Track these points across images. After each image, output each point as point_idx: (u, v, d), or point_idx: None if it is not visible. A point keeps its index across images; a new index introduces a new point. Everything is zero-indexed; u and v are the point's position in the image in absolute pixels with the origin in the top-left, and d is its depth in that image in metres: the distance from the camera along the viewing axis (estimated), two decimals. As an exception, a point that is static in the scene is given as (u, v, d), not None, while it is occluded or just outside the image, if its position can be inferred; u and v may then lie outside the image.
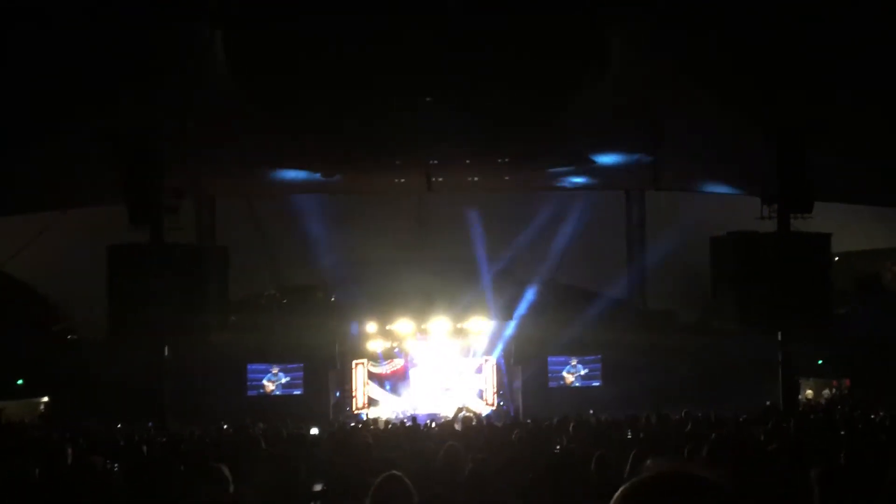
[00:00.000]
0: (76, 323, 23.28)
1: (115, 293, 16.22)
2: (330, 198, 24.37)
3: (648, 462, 4.42)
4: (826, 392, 22.43)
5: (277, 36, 14.86)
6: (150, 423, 16.33)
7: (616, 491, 2.01)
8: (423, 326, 23.35)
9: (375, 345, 23.58)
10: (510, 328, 23.72)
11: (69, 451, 6.37)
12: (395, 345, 23.59)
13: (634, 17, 14.23)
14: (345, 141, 18.53)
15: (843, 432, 10.74)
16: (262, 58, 15.36)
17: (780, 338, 17.08)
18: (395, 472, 4.23)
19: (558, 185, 23.92)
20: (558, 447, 9.03)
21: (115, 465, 6.92)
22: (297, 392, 23.33)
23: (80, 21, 13.16)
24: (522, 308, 23.64)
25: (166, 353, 17.27)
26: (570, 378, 24.04)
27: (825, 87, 15.15)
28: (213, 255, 17.88)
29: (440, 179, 21.77)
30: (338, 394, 23.67)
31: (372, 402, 23.52)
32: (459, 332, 23.52)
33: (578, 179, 23.27)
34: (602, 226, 24.64)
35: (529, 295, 23.93)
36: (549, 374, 23.92)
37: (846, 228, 19.35)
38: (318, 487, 6.02)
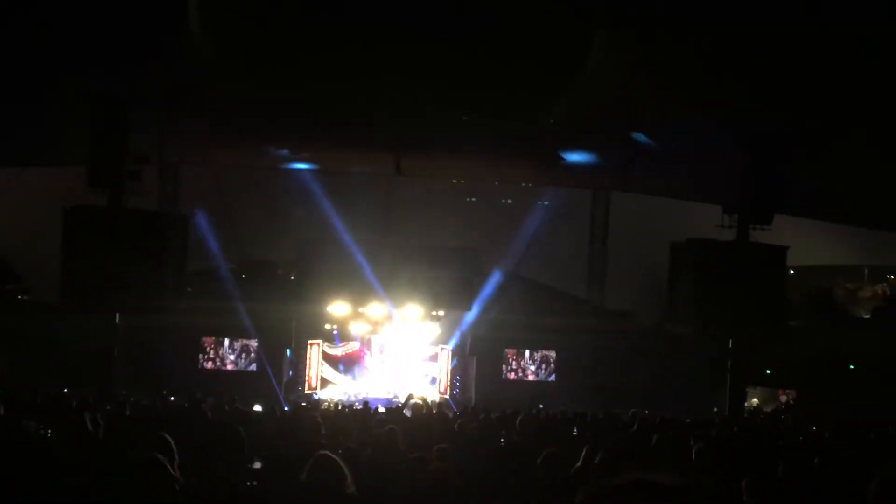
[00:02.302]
0: (28, 284, 22.83)
1: (68, 256, 15.83)
2: (298, 175, 24.15)
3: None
4: (775, 402, 22.87)
5: (253, 7, 14.66)
6: (96, 389, 16.06)
7: (559, 486, 2.02)
8: (390, 312, 23.29)
9: (332, 326, 23.49)
10: (468, 318, 23.78)
11: (1, 411, 6.24)
12: (352, 328, 23.51)
13: (614, 23, 14.30)
14: (315, 117, 18.36)
15: (781, 442, 10.96)
16: (236, 27, 15.15)
17: (731, 345, 17.35)
18: (326, 451, 4.27)
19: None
20: (503, 440, 9.08)
21: (49, 431, 6.80)
22: (250, 368, 23.18)
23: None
24: (481, 299, 23.70)
25: (118, 319, 16.97)
26: (523, 371, 24.20)
27: (794, 102, 15.38)
28: (172, 223, 17.56)
29: (409, 163, 21.69)
30: (290, 373, 23.56)
31: (325, 383, 23.45)
32: (417, 319, 23.51)
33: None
34: (566, 223, 24.77)
35: (489, 286, 24.01)
36: (504, 367, 24.05)
37: (803, 243, 19.68)
38: (256, 465, 5.98)
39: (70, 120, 16.40)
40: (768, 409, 21.71)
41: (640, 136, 18.48)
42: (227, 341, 23.27)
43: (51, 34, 14.19)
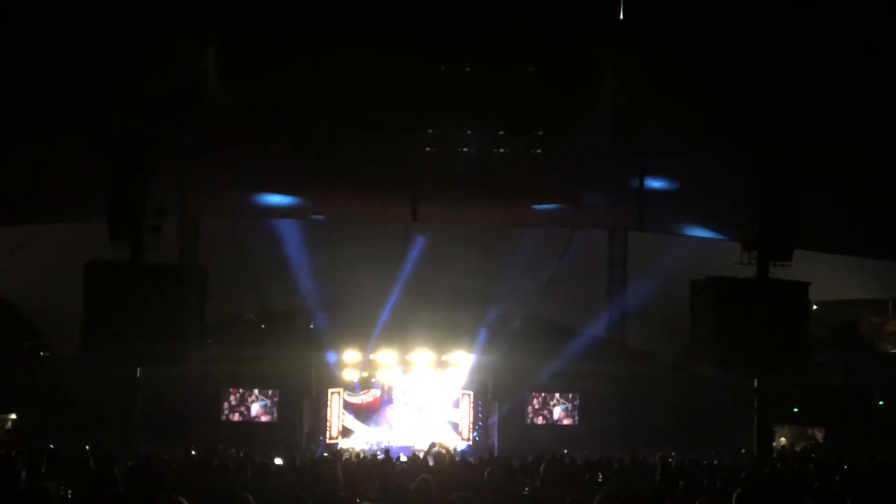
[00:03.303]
0: (50, 339, 22.97)
1: (90, 311, 15.94)
2: (315, 223, 24.29)
3: None
4: (804, 441, 22.42)
5: (270, 53, 14.92)
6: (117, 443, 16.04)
7: None
8: (402, 357, 23.20)
9: (352, 374, 23.39)
10: (488, 362, 23.59)
11: (23, 473, 6.23)
12: (372, 375, 23.41)
13: (628, 55, 14.43)
14: (331, 167, 18.56)
15: (816, 484, 10.70)
16: (254, 74, 15.41)
17: (756, 384, 17.09)
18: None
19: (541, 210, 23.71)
20: (527, 489, 8.94)
21: (70, 491, 6.77)
22: (271, 418, 23.07)
23: (70, 26, 13.14)
24: (501, 342, 23.53)
25: (139, 373, 17.01)
26: (546, 415, 23.91)
27: (812, 135, 15.37)
28: (192, 276, 17.68)
29: (426, 208, 21.78)
30: (312, 422, 23.42)
31: (346, 432, 23.27)
32: (439, 365, 23.37)
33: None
34: (584, 263, 24.68)
35: (510, 329, 23.85)
36: (526, 411, 23.78)
37: (825, 277, 19.47)
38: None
39: (90, 176, 16.64)
40: (798, 448, 21.26)
41: (655, 183, 18.53)
42: (247, 391, 23.21)
43: (71, 90, 14.49)
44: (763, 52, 13.53)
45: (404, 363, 23.23)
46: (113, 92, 14.58)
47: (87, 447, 16.01)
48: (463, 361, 23.57)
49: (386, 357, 23.06)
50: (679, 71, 14.51)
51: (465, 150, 17.51)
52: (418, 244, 24.06)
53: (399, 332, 23.11)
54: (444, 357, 23.15)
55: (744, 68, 14.09)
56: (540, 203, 22.47)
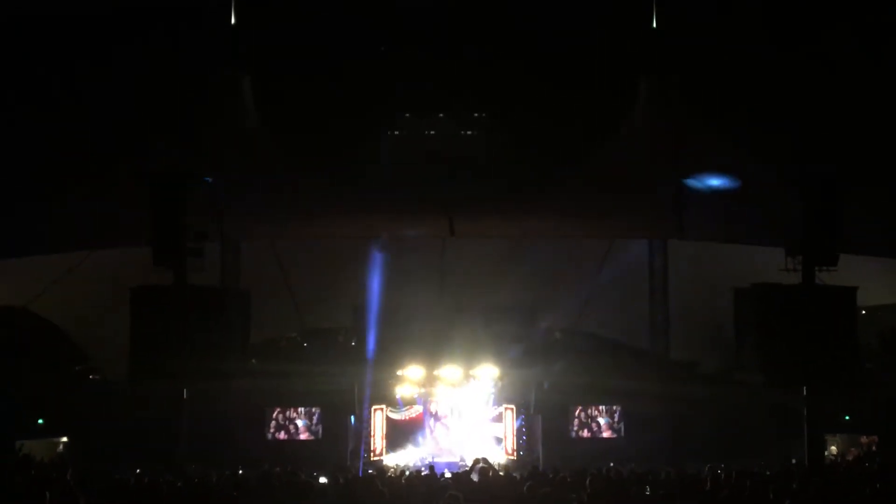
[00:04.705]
0: (98, 363, 23.41)
1: (136, 335, 16.25)
2: (353, 241, 24.45)
3: None
4: (856, 449, 21.92)
5: (306, 84, 15.17)
6: (166, 468, 16.28)
7: None
8: (444, 373, 23.20)
9: (395, 391, 23.46)
10: (531, 376, 23.49)
11: (81, 500, 6.35)
12: (416, 391, 23.44)
13: (666, 71, 14.38)
14: (368, 185, 18.71)
15: (868, 490, 10.46)
16: (289, 105, 15.67)
17: (804, 392, 16.76)
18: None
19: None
20: (574, 504, 8.87)
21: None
22: (315, 436, 23.22)
23: (114, 65, 13.49)
24: (543, 356, 23.42)
25: (185, 395, 17.27)
26: (590, 428, 23.71)
27: (855, 139, 15.12)
28: (235, 298, 17.95)
29: (463, 224, 21.83)
30: (355, 439, 23.49)
31: (390, 448, 23.30)
32: (479, 380, 23.33)
33: None
34: (624, 274, 24.49)
35: (551, 342, 23.74)
36: (570, 424, 23.61)
37: (872, 281, 19.08)
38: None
39: (131, 200, 17.01)
40: (850, 456, 20.78)
41: (696, 182, 18.36)
42: (291, 410, 23.39)
43: (111, 117, 14.86)
44: (800, 56, 13.41)
45: (445, 379, 23.23)
46: (156, 126, 14.95)
47: (137, 469, 16.25)
48: (504, 376, 23.50)
49: (437, 372, 23.09)
50: (715, 79, 14.41)
51: (498, 165, 17.60)
52: (456, 260, 24.14)
53: (437, 348, 23.12)
54: (484, 372, 23.12)
55: (781, 74, 13.96)
56: (577, 215, 22.38)
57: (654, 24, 13.26)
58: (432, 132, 16.17)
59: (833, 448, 21.86)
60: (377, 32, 13.84)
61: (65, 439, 22.10)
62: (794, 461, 17.28)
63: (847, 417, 21.50)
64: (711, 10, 13.23)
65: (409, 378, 23.14)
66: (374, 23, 13.79)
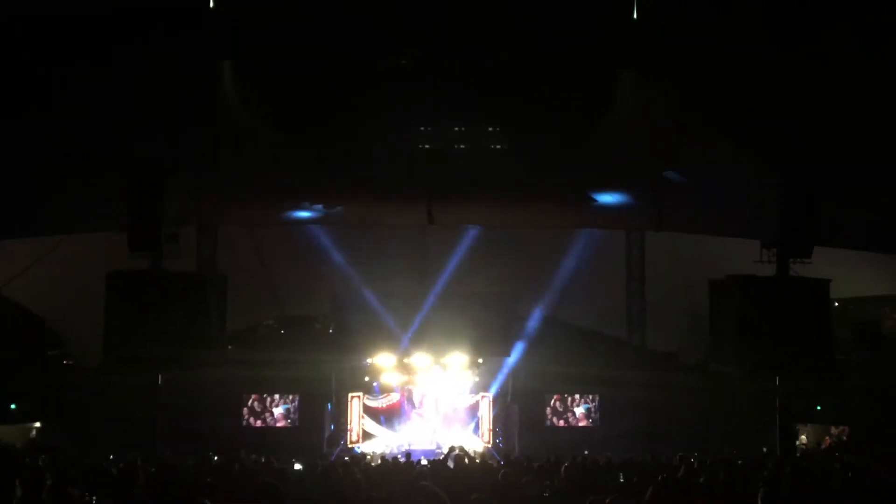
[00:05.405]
0: (73, 349, 23.21)
1: (111, 321, 16.14)
2: (332, 227, 24.38)
3: None
4: (828, 438, 22.23)
5: (285, 69, 15.02)
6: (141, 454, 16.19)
7: None
8: (416, 361, 23.22)
9: (372, 378, 23.47)
10: (508, 364, 23.59)
11: (48, 481, 6.31)
12: (397, 379, 23.45)
13: (645, 68, 14.38)
14: (346, 173, 18.60)
15: (840, 481, 10.60)
16: (269, 88, 15.52)
17: (778, 383, 16.98)
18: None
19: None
20: (547, 490, 8.93)
21: (94, 497, 6.84)
22: (292, 424, 23.18)
23: (91, 53, 13.32)
24: (520, 344, 23.52)
25: (160, 381, 17.18)
26: (567, 417, 23.86)
27: (833, 134, 15.22)
28: (212, 283, 17.84)
29: (442, 212, 21.78)
30: (332, 426, 23.51)
31: (367, 435, 23.34)
32: (459, 368, 23.39)
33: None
34: (601, 264, 24.61)
35: (528, 331, 23.83)
36: (546, 413, 23.75)
37: (845, 274, 19.30)
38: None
39: (108, 186, 16.82)
40: (820, 447, 21.09)
41: (672, 175, 18.43)
42: (268, 397, 23.34)
43: (88, 102, 14.66)
44: (771, 52, 13.49)
45: (424, 366, 23.27)
46: (136, 113, 14.78)
47: (111, 455, 16.15)
48: (482, 364, 23.58)
49: (413, 360, 23.12)
50: (695, 73, 14.45)
51: (478, 154, 17.55)
52: (437, 248, 24.12)
53: (416, 336, 23.14)
54: (462, 360, 23.17)
55: (766, 69, 14.03)
56: (556, 205, 22.40)
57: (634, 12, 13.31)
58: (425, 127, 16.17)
59: (804, 438, 22.16)
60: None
61: (38, 425, 21.91)
62: (765, 450, 17.51)
63: (818, 408, 21.79)
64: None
65: (380, 366, 23.17)
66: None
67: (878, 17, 12.42)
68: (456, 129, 16.68)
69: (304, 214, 22.15)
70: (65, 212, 19.18)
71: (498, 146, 17.22)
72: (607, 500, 6.06)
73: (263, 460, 15.04)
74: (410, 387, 23.62)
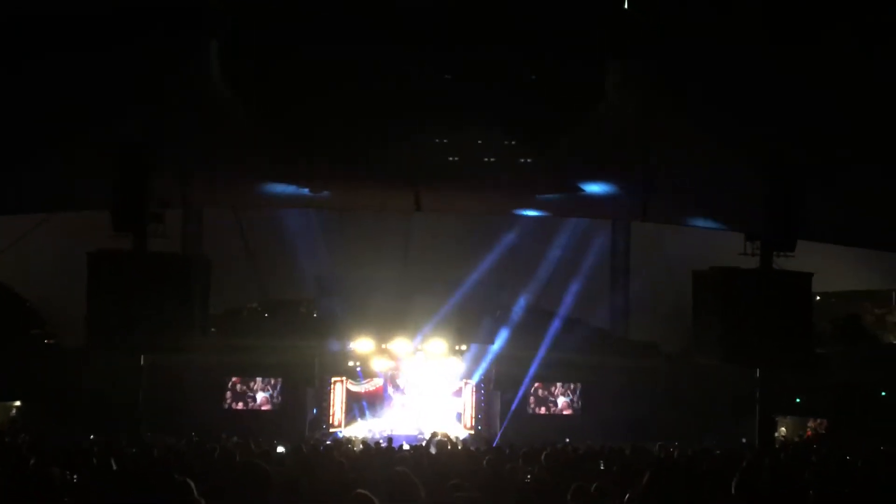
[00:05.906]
0: (54, 328, 23.06)
1: (94, 300, 15.99)
2: (318, 212, 24.31)
3: None
4: (805, 431, 22.47)
5: (271, 50, 14.95)
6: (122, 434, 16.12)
7: None
8: (405, 347, 23.25)
9: (356, 363, 23.47)
10: (491, 352, 23.65)
11: (31, 460, 6.29)
12: (375, 364, 23.46)
13: (633, 61, 14.42)
14: (333, 157, 18.54)
15: (812, 473, 10.71)
16: (256, 70, 15.44)
17: (759, 374, 17.12)
18: (363, 490, 4.26)
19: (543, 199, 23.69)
20: (529, 476, 8.97)
21: (75, 476, 6.82)
22: (274, 407, 23.16)
23: (76, 37, 13.22)
24: (504, 332, 23.58)
25: (143, 361, 17.07)
26: (549, 405, 23.97)
27: (816, 129, 15.32)
28: (196, 265, 17.70)
29: (429, 198, 21.76)
30: (315, 411, 23.51)
31: (349, 420, 23.37)
32: (441, 354, 23.42)
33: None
34: (586, 254, 24.67)
35: (512, 319, 23.89)
36: (529, 401, 23.85)
37: (827, 268, 19.45)
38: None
39: (93, 166, 16.67)
40: (798, 438, 21.31)
41: (658, 175, 18.51)
42: (251, 381, 23.30)
43: (74, 84, 14.55)
44: (761, 49, 13.55)
45: (407, 352, 23.30)
46: (121, 94, 14.66)
47: (91, 436, 16.09)
48: (465, 351, 23.64)
49: (397, 346, 23.14)
50: (680, 68, 14.50)
51: (466, 146, 17.56)
52: (421, 235, 24.12)
53: (401, 322, 23.15)
54: (446, 346, 23.22)
55: (745, 66, 14.09)
56: (543, 194, 22.43)
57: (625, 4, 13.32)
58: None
59: (783, 429, 22.38)
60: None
61: (18, 403, 21.79)
62: (744, 440, 17.67)
63: (798, 400, 22.01)
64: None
65: (360, 351, 23.17)
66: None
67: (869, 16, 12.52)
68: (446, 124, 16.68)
69: (288, 191, 22.02)
70: (49, 190, 19.01)
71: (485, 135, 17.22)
72: (593, 486, 6.11)
73: (244, 443, 14.99)
74: (394, 372, 23.64)
